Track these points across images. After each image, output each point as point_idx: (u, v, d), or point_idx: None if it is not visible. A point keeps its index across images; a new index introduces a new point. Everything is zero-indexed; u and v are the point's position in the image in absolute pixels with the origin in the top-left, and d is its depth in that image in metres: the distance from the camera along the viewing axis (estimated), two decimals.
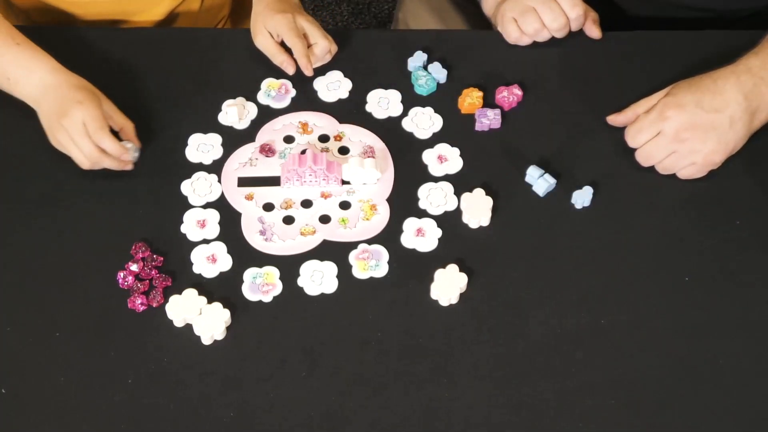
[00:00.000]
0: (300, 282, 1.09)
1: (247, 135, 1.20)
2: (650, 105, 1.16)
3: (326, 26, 1.30)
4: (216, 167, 1.18)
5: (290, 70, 1.22)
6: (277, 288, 1.09)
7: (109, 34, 1.30)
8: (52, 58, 1.16)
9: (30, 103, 1.16)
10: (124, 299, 1.07)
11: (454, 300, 1.08)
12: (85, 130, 1.11)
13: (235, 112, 1.20)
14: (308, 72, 1.22)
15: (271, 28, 1.22)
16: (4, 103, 1.22)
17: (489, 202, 1.14)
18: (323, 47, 1.23)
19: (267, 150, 1.19)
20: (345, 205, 1.15)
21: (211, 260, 1.10)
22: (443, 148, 1.19)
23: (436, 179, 1.17)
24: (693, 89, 1.13)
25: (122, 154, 1.13)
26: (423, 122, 1.21)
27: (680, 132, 1.12)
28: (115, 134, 1.15)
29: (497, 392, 1.02)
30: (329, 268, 1.10)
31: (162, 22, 1.37)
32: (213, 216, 1.14)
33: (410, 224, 1.13)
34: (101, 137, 1.12)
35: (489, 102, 1.23)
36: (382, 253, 1.11)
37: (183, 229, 1.13)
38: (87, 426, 1.00)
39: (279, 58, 1.23)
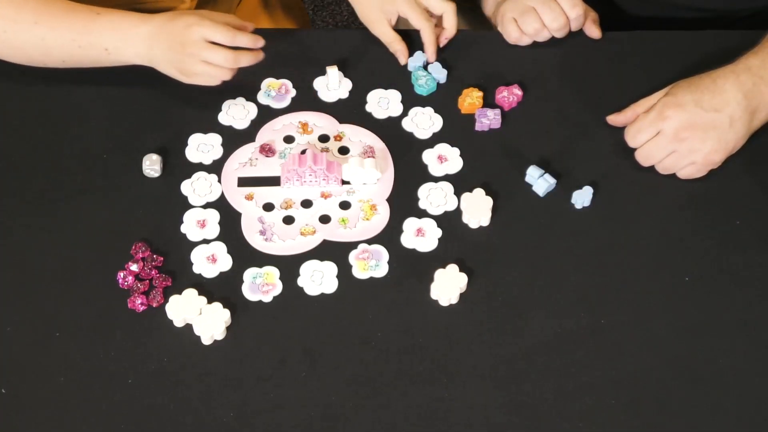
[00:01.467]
0: (300, 282, 1.09)
1: (247, 135, 1.20)
2: (650, 105, 1.16)
3: (326, 26, 1.30)
4: (216, 167, 1.18)
5: (403, 60, 1.23)
6: (277, 288, 1.09)
7: None
8: (129, 11, 1.16)
9: (141, 62, 1.16)
10: (124, 299, 1.07)
11: (454, 300, 1.08)
12: (209, 44, 1.12)
13: (335, 76, 1.22)
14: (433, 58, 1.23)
15: (391, 13, 1.22)
16: (4, 103, 1.22)
17: (489, 202, 1.14)
18: (451, 21, 1.23)
19: (267, 150, 1.19)
20: (345, 205, 1.15)
21: (211, 260, 1.10)
22: (443, 148, 1.19)
23: (436, 179, 1.17)
24: (692, 89, 1.13)
25: (256, 42, 1.14)
26: (423, 122, 1.21)
27: (680, 131, 1.12)
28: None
29: (497, 392, 1.02)
30: (329, 268, 1.10)
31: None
32: (213, 216, 1.14)
33: (410, 224, 1.13)
34: (231, 35, 1.12)
35: (489, 102, 1.23)
36: (382, 253, 1.11)
37: (183, 229, 1.13)
38: (87, 426, 1.00)
39: (397, 47, 1.23)
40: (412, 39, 1.29)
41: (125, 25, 1.15)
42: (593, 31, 1.27)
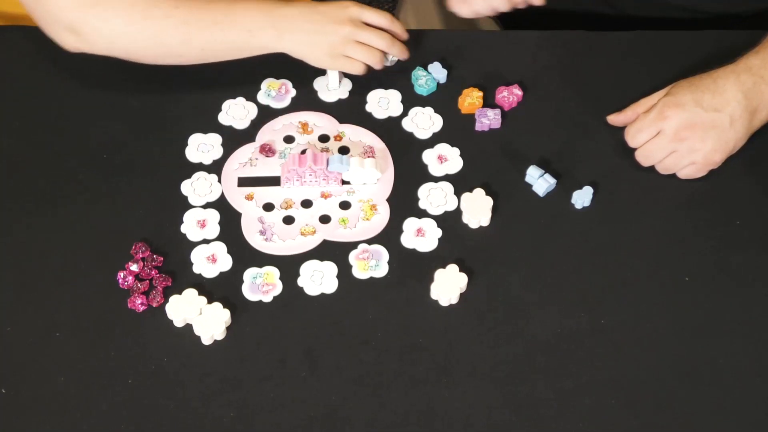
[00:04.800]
0: (300, 282, 1.09)
1: (247, 135, 1.20)
2: (650, 105, 1.16)
3: None
4: (216, 167, 1.18)
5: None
6: (277, 288, 1.09)
7: None
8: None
9: (282, 48, 1.16)
10: (124, 299, 1.07)
11: (454, 300, 1.08)
12: (365, 25, 1.14)
13: (336, 77, 1.21)
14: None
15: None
16: (4, 103, 1.22)
17: (489, 202, 1.14)
18: (395, 28, 1.21)
19: (267, 150, 1.19)
20: (345, 205, 1.15)
21: (211, 260, 1.10)
22: (443, 148, 1.19)
23: (436, 179, 1.17)
24: (693, 88, 1.13)
25: (404, 33, 1.17)
26: (423, 122, 1.21)
27: (680, 131, 1.12)
28: None
29: (497, 392, 1.02)
30: (329, 268, 1.10)
31: None
32: (213, 216, 1.14)
33: (410, 224, 1.13)
34: (388, 20, 1.15)
35: (489, 102, 1.23)
36: (382, 253, 1.11)
37: (183, 229, 1.13)
38: (87, 426, 1.00)
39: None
40: (408, 40, 1.29)
41: (268, 6, 1.14)
42: None
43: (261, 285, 1.08)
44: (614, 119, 1.19)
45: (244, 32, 1.14)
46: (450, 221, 1.13)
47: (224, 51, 1.16)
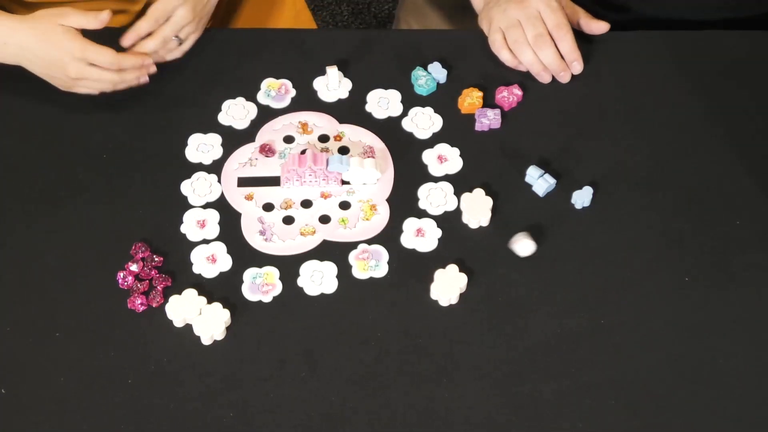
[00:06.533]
0: (300, 282, 1.09)
1: (247, 135, 1.20)
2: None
3: (326, 26, 1.30)
4: (216, 167, 1.18)
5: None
6: (277, 288, 1.09)
7: (108, 33, 1.30)
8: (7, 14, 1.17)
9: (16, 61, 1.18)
10: (124, 299, 1.07)
11: (454, 300, 1.08)
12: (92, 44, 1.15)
13: (335, 77, 1.22)
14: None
15: None
16: (4, 103, 1.22)
17: (489, 202, 1.14)
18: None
19: (267, 150, 1.19)
20: (345, 205, 1.15)
21: (211, 260, 1.10)
22: (443, 148, 1.19)
23: (436, 179, 1.17)
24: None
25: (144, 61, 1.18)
26: (423, 122, 1.21)
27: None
28: None
29: (497, 392, 1.02)
30: (329, 268, 1.10)
31: None
32: (213, 216, 1.14)
33: (410, 224, 1.13)
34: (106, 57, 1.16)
35: (489, 102, 1.23)
36: (382, 253, 1.11)
37: (183, 229, 1.13)
38: (87, 426, 1.00)
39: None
40: (408, 40, 1.29)
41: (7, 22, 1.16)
42: (598, 27, 1.26)
43: (261, 285, 1.08)
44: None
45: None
46: (450, 221, 1.13)
47: None
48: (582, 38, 1.28)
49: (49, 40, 1.15)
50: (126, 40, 1.20)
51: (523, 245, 1.09)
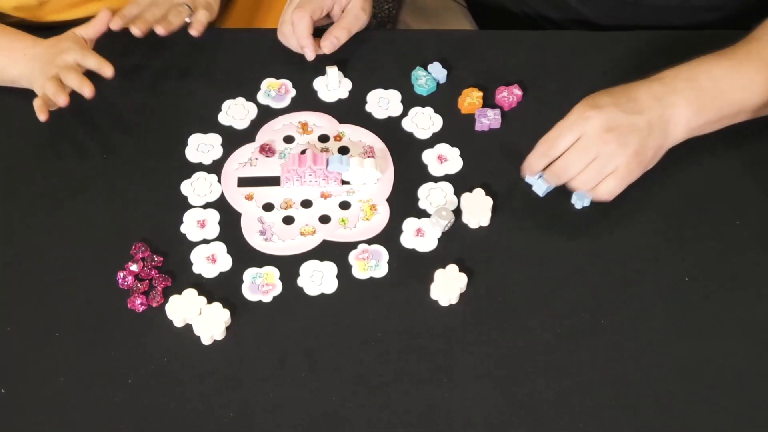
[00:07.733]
0: (300, 282, 1.09)
1: (247, 135, 1.20)
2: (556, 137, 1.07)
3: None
4: (216, 167, 1.18)
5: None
6: (277, 288, 1.09)
7: (108, 33, 1.30)
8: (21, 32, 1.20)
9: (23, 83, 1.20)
10: (124, 299, 1.07)
11: (454, 300, 1.08)
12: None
13: (335, 77, 1.21)
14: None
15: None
16: (4, 104, 1.22)
17: (489, 202, 1.14)
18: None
19: (267, 150, 1.19)
20: (345, 205, 1.15)
21: (211, 260, 1.10)
22: (443, 148, 1.19)
23: (436, 179, 1.17)
24: (608, 93, 1.07)
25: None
26: (423, 122, 1.21)
27: (603, 133, 1.04)
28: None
29: (497, 392, 1.02)
30: (329, 268, 1.10)
31: None
32: (213, 216, 1.14)
33: (410, 224, 1.13)
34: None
35: (489, 102, 1.23)
36: (382, 253, 1.11)
37: (183, 229, 1.13)
38: (87, 426, 1.00)
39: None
40: (408, 40, 1.29)
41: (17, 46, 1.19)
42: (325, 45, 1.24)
43: (261, 285, 1.08)
44: (530, 166, 1.10)
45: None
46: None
47: None
48: (583, 38, 1.28)
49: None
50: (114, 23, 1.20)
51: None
